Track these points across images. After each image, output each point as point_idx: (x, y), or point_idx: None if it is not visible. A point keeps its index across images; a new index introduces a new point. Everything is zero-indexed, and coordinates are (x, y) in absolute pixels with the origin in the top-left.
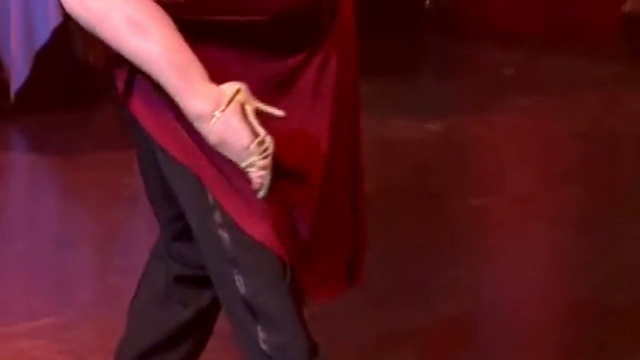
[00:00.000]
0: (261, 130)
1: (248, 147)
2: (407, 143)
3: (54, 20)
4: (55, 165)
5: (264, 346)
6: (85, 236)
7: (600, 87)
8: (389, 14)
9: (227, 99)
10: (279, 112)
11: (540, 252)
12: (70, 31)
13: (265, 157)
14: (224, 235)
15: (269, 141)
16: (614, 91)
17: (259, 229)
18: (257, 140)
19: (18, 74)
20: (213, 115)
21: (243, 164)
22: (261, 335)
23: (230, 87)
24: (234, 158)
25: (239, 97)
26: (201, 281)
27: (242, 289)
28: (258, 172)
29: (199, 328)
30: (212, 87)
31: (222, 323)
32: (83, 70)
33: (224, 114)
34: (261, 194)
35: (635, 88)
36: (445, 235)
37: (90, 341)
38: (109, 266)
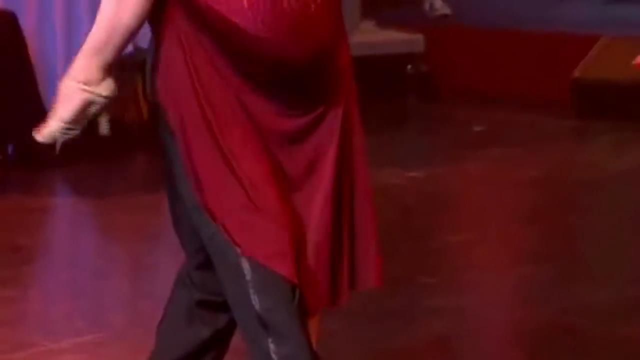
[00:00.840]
0: (77, 126)
1: (59, 120)
2: (393, 188)
3: None
4: (93, 208)
5: (274, 357)
6: (118, 268)
7: (556, 140)
8: (376, 80)
9: (93, 88)
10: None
11: (508, 281)
12: None
13: (63, 135)
14: (245, 264)
15: (72, 133)
16: (568, 143)
17: (274, 261)
18: (64, 125)
19: None
20: (76, 81)
21: (52, 126)
22: (272, 347)
23: (106, 88)
24: (53, 117)
25: (97, 98)
26: (219, 306)
27: (257, 307)
28: (54, 132)
29: (216, 345)
30: (101, 73)
31: (236, 341)
32: (118, 127)
33: (77, 89)
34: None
35: (585, 141)
36: (427, 267)
37: (124, 357)
38: (139, 293)
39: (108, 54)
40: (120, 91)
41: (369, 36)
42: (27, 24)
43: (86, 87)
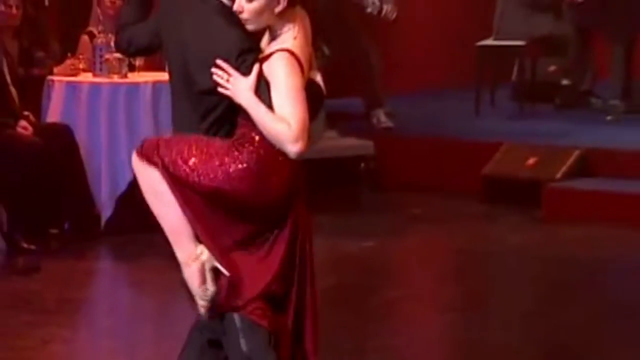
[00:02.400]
0: (209, 281)
1: (196, 289)
2: (349, 256)
3: (128, 177)
4: (128, 269)
5: None
6: (147, 316)
7: (471, 220)
8: (337, 174)
9: (195, 255)
10: (226, 272)
11: (434, 325)
12: (138, 185)
13: (204, 299)
14: (237, 318)
15: (211, 290)
16: (480, 223)
17: (260, 319)
18: (202, 286)
19: (106, 211)
20: (187, 265)
21: (195, 297)
22: None
23: (200, 249)
24: (191, 290)
25: (203, 257)
26: (223, 345)
27: (244, 348)
28: (200, 306)
29: None
30: (191, 243)
31: None
32: (146, 209)
33: (192, 266)
34: (202, 312)
35: (492, 221)
36: (374, 314)
37: None
38: (164, 335)
39: (183, 237)
40: None
41: (331, 142)
42: (79, 133)
43: (190, 262)
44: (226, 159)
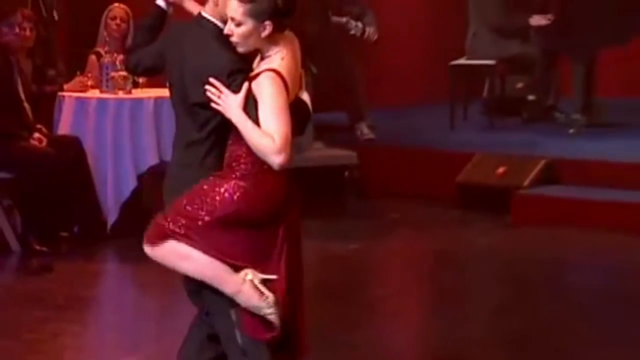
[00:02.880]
0: (266, 291)
1: (259, 304)
2: (335, 257)
3: (132, 185)
4: (133, 271)
5: None
6: (151, 313)
7: (446, 224)
8: (324, 182)
9: (242, 280)
10: (273, 277)
11: (415, 320)
12: (141, 191)
13: (270, 307)
14: (233, 312)
15: (271, 297)
16: (454, 226)
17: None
18: (262, 298)
19: (111, 216)
20: (240, 291)
21: (261, 313)
22: None
23: (244, 272)
24: (254, 310)
25: (249, 277)
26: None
27: (240, 341)
28: (270, 315)
29: None
30: (231, 273)
31: None
32: (149, 214)
33: (243, 289)
34: (276, 328)
35: (465, 225)
36: (361, 311)
37: None
38: (166, 330)
39: (223, 275)
40: (151, 188)
41: (319, 152)
42: (87, 144)
43: (241, 288)
44: (223, 189)
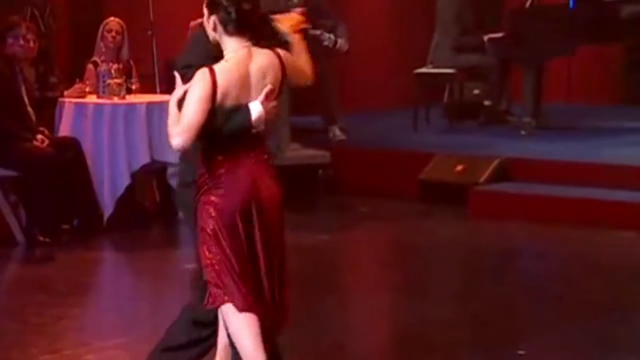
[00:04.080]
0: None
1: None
2: (308, 246)
3: (126, 182)
4: (128, 259)
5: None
6: (145, 297)
7: (408, 217)
8: (300, 180)
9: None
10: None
11: (379, 303)
12: (135, 188)
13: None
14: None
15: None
16: (415, 219)
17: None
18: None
19: (107, 210)
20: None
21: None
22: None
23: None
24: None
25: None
26: (206, 323)
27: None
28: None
29: (201, 344)
30: None
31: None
32: (141, 208)
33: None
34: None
35: (426, 218)
36: (331, 296)
37: (148, 352)
38: (158, 312)
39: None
40: (143, 185)
41: (295, 152)
42: (86, 145)
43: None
44: (211, 200)
